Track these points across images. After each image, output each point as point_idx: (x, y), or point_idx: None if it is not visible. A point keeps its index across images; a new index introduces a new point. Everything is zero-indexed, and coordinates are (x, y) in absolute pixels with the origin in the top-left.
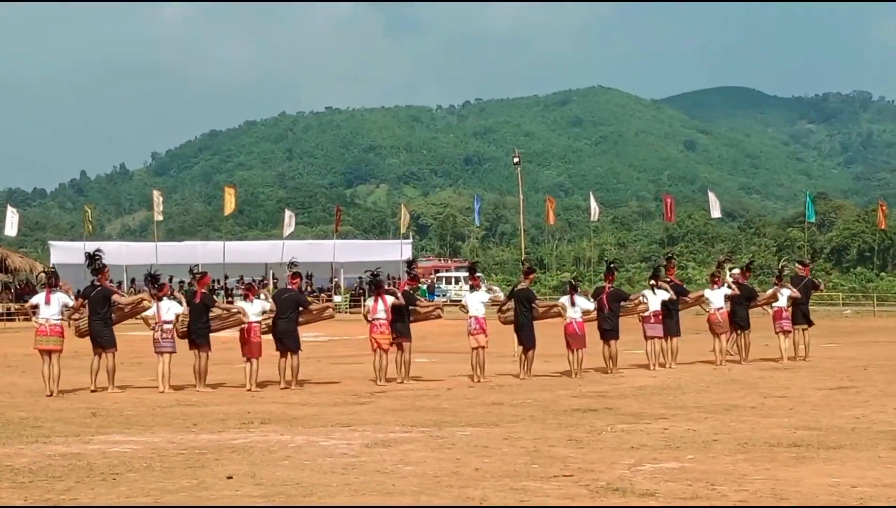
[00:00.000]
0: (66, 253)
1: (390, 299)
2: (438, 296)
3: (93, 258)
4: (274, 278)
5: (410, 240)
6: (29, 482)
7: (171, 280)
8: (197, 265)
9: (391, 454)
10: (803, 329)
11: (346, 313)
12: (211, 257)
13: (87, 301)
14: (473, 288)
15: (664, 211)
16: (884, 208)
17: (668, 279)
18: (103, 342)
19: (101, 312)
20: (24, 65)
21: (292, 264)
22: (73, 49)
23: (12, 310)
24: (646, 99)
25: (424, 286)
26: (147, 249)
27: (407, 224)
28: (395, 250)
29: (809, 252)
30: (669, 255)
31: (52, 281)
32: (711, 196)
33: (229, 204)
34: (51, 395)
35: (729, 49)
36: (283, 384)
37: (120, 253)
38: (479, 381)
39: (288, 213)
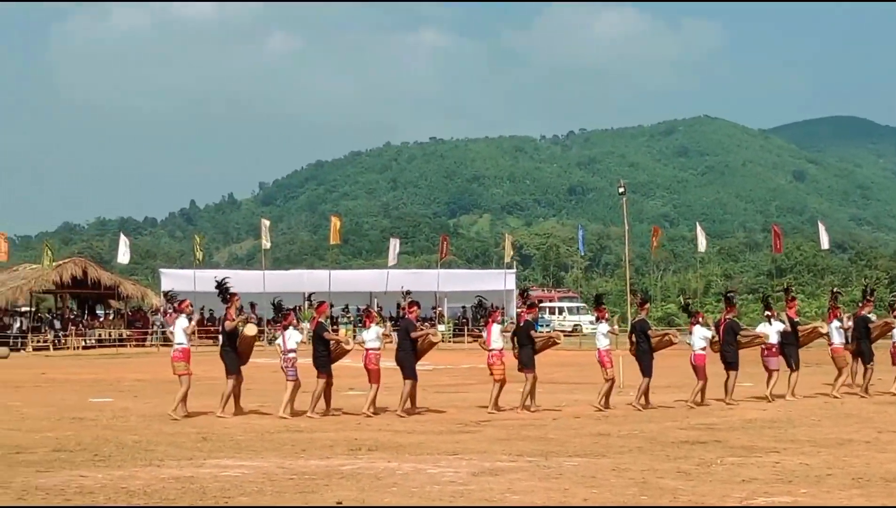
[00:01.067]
0: (176, 281)
1: (498, 328)
2: (542, 327)
3: (221, 287)
4: (378, 307)
5: (514, 270)
6: (144, 504)
7: (297, 310)
8: (312, 294)
9: (498, 483)
10: None
11: (449, 342)
12: (317, 285)
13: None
14: (599, 319)
15: (772, 242)
16: None
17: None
18: (226, 366)
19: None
20: (136, 98)
21: (408, 293)
22: (184, 82)
23: (124, 336)
24: (753, 129)
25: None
26: (255, 277)
27: (510, 254)
28: (498, 280)
29: None
30: (787, 288)
31: (174, 306)
32: (821, 227)
33: (335, 233)
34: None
35: (840, 78)
36: (400, 411)
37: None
38: (600, 409)
39: (393, 241)
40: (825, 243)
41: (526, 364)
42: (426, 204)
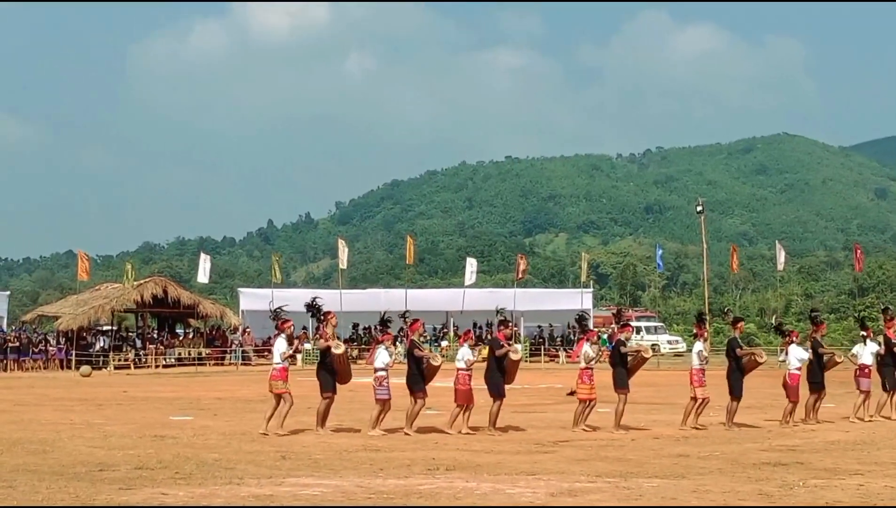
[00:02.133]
0: (255, 300)
1: (587, 346)
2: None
3: (314, 306)
4: (454, 326)
5: (591, 289)
6: None
7: (400, 330)
8: (406, 312)
9: (577, 503)
10: None
11: (526, 361)
12: (393, 304)
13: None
14: (697, 337)
15: (854, 261)
16: None
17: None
18: (321, 384)
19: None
20: (215, 118)
21: (501, 311)
22: (262, 102)
23: (203, 355)
24: (833, 146)
25: (605, 336)
26: (332, 296)
27: (587, 273)
28: (575, 300)
29: None
30: (886, 308)
31: (276, 324)
32: None
33: (410, 253)
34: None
35: None
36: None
37: (306, 300)
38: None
39: (470, 260)
40: None
41: (619, 384)
42: (502, 223)
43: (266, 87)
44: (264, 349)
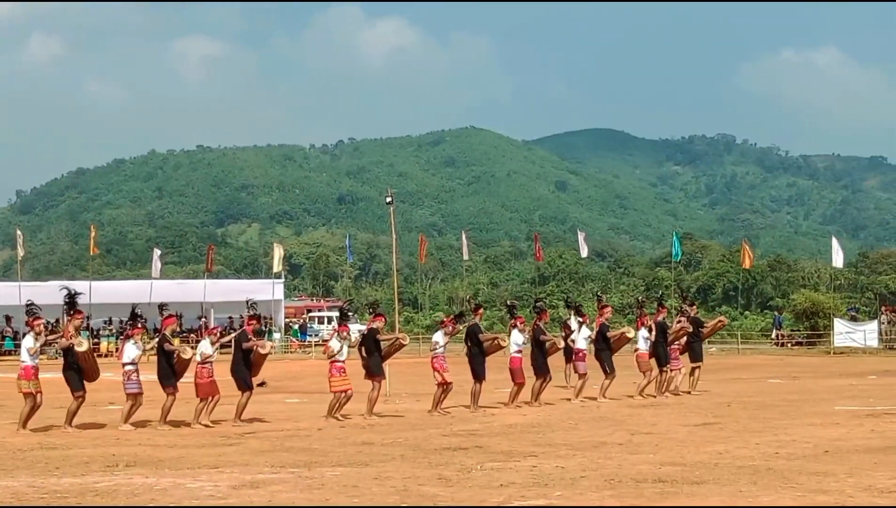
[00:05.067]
0: None
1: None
2: (310, 336)
3: (72, 301)
4: (142, 318)
5: (283, 280)
6: None
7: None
8: (164, 305)
9: (259, 495)
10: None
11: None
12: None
13: None
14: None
15: (535, 251)
16: (747, 248)
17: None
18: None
19: None
20: None
21: (254, 305)
22: None
23: None
24: (517, 140)
25: (297, 326)
26: (10, 289)
27: (279, 264)
28: (266, 290)
29: (677, 291)
30: (599, 296)
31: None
32: (580, 236)
33: (93, 243)
34: None
35: (598, 92)
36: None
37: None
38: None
39: (156, 251)
40: (584, 251)
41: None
42: (193, 213)
43: None
44: None
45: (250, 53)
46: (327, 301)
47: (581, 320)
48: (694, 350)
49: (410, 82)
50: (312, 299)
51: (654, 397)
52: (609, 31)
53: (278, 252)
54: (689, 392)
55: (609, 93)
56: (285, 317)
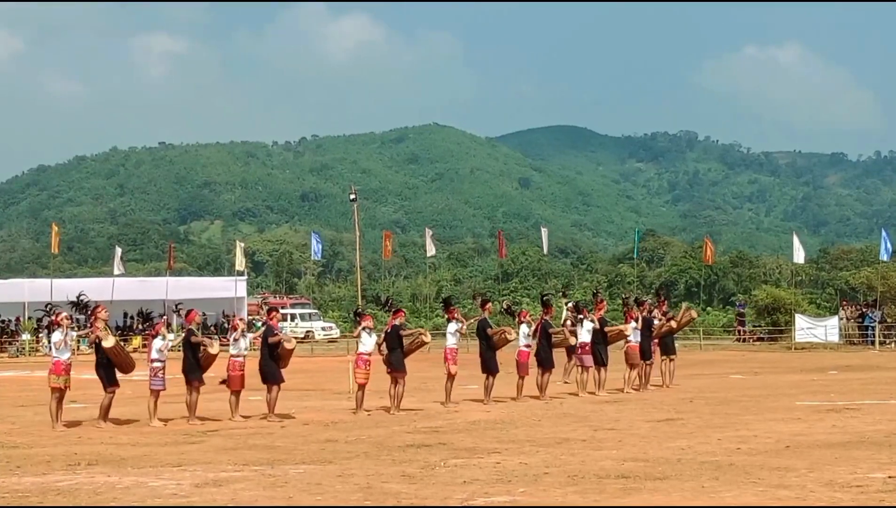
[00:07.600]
0: None
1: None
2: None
3: (81, 303)
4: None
5: (245, 277)
6: None
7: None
8: (179, 304)
9: (222, 493)
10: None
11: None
12: (38, 295)
13: None
14: (450, 320)
15: (499, 248)
16: (709, 244)
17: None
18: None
19: None
20: None
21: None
22: None
23: None
24: (481, 137)
25: (259, 323)
26: None
27: (242, 261)
28: (229, 288)
29: (639, 288)
30: (596, 291)
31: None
32: (543, 233)
33: (55, 241)
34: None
35: (561, 89)
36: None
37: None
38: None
39: (117, 249)
40: (547, 247)
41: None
42: (155, 210)
43: None
44: None
45: (213, 50)
46: (290, 298)
47: (582, 316)
48: (666, 344)
49: (374, 79)
50: (276, 297)
51: (622, 391)
52: (572, 28)
53: (241, 249)
54: (661, 387)
55: (572, 90)
56: (248, 314)
